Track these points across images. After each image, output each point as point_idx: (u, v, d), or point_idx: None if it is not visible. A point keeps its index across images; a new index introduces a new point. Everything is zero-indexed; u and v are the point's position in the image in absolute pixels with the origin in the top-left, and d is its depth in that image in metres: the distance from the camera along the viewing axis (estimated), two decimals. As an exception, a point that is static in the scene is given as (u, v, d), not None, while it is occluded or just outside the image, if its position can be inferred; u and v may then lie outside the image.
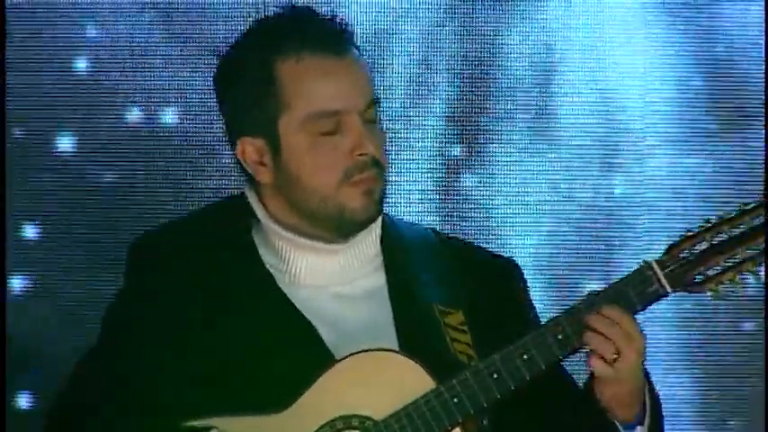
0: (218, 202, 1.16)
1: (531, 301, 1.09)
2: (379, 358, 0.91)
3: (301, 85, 0.96)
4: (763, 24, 2.08)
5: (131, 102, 2.22)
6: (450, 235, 1.19)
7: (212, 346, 0.93)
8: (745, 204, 0.92)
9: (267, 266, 0.99)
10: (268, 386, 0.90)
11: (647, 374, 0.93)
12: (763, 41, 2.10)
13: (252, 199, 1.03)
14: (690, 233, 0.92)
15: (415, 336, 0.95)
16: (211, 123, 2.08)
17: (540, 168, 2.24)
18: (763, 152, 2.11)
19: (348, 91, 0.97)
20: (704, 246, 0.91)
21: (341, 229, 0.98)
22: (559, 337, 0.90)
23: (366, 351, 0.91)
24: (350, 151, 0.95)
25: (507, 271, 1.08)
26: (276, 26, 1.02)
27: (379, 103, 1.04)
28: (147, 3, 2.21)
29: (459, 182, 2.24)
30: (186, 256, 0.99)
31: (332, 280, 1.00)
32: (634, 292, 0.91)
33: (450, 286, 1.00)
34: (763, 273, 0.91)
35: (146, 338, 0.95)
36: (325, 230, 0.99)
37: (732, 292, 0.91)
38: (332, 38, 0.99)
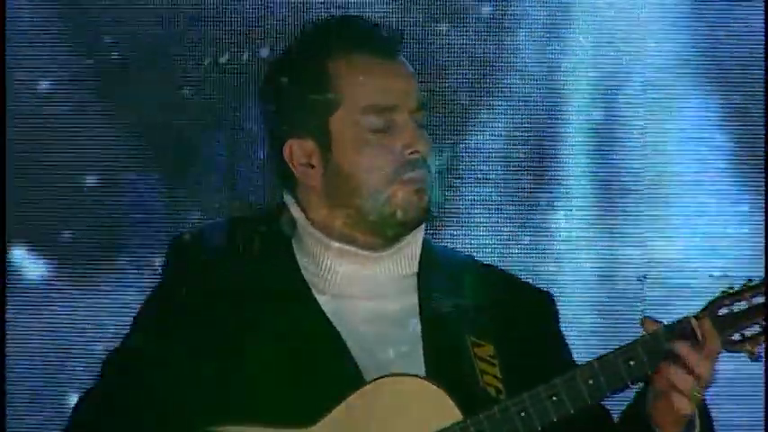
0: (260, 208, 1.15)
1: (563, 336, 1.08)
2: (406, 384, 0.90)
3: (354, 80, 0.97)
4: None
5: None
6: (489, 263, 1.18)
7: (240, 351, 0.92)
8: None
9: (303, 274, 0.98)
10: (290, 397, 0.89)
11: None
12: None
13: (291, 205, 1.01)
14: (729, 291, 0.91)
15: (444, 363, 0.94)
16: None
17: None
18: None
19: (399, 89, 0.98)
20: (743, 305, 0.90)
21: (388, 229, 0.97)
22: (590, 382, 0.89)
23: (394, 375, 0.90)
24: (401, 149, 0.95)
25: (543, 304, 1.07)
26: (326, 30, 1.04)
27: (426, 109, 1.04)
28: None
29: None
30: (224, 259, 0.98)
31: (368, 290, 0.98)
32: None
33: (483, 316, 0.99)
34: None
35: (175, 338, 0.94)
36: (369, 234, 0.98)
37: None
38: (381, 41, 1.00)
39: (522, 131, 2.20)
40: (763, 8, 2.09)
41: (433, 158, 0.99)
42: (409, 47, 2.12)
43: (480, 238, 2.21)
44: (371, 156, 0.95)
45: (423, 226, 1.02)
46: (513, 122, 2.21)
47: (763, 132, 2.05)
